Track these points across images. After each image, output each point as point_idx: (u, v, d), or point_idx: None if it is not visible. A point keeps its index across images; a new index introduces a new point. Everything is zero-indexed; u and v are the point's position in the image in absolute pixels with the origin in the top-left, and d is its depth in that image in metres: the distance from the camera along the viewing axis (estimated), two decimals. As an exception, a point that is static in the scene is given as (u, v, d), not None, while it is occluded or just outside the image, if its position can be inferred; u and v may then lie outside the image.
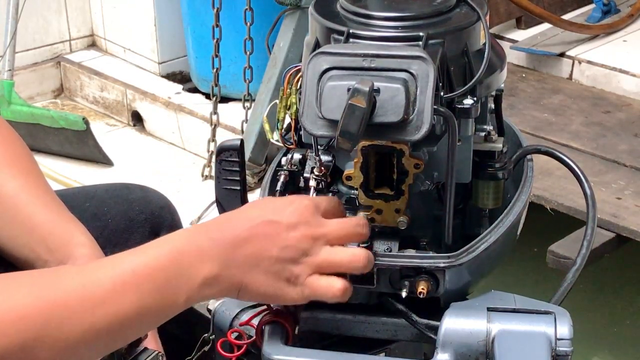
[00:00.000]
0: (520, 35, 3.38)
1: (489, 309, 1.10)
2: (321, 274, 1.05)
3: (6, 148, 1.28)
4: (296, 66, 1.16)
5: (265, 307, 1.13)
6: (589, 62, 3.19)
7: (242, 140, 1.20)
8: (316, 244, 1.05)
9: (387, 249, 1.14)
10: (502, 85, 1.20)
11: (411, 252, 1.13)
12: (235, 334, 1.14)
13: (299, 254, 1.04)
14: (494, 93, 1.20)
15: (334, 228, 1.06)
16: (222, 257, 1.02)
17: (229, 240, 1.03)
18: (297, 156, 1.19)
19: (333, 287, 1.05)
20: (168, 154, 3.21)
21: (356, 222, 1.08)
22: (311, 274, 1.05)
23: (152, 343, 1.22)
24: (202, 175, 3.01)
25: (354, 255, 1.06)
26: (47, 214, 1.23)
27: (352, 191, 1.15)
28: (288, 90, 1.17)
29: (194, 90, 3.38)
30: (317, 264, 1.05)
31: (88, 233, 1.24)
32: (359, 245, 1.09)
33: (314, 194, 1.15)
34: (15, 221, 1.22)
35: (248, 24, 2.80)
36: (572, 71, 3.23)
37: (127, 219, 1.39)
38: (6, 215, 1.23)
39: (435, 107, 1.03)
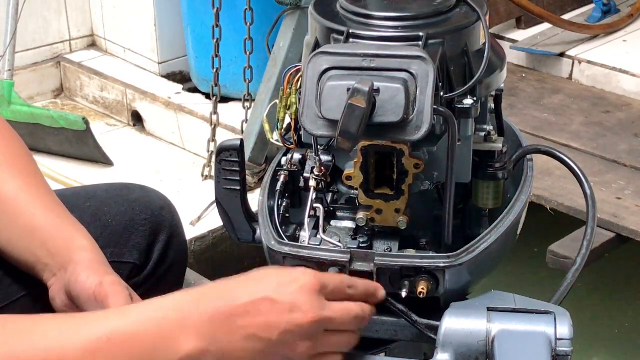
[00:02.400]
0: (520, 35, 3.37)
1: (489, 309, 1.10)
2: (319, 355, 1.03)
3: (6, 148, 1.27)
4: (296, 66, 1.16)
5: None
6: (589, 62, 3.19)
7: (242, 140, 1.20)
8: (318, 329, 1.01)
9: (387, 249, 1.14)
10: (502, 85, 1.20)
11: (411, 252, 1.13)
12: (235, 334, 1.14)
13: (299, 338, 1.00)
14: (494, 93, 1.20)
15: (338, 315, 1.02)
16: (212, 331, 0.97)
17: (224, 313, 0.97)
18: (297, 156, 1.19)
19: None
20: (168, 154, 3.21)
21: (360, 310, 1.04)
22: (312, 357, 1.02)
23: None
24: (202, 175, 3.01)
25: (350, 338, 1.05)
26: (47, 216, 1.23)
27: (352, 191, 1.15)
28: (288, 90, 1.17)
29: (194, 90, 3.37)
30: (317, 348, 1.01)
31: (89, 236, 1.23)
32: None
33: (314, 194, 1.15)
34: (16, 223, 1.22)
35: (248, 24, 2.80)
36: (572, 71, 3.23)
37: (127, 219, 1.39)
38: (6, 217, 1.22)
39: (435, 107, 1.03)
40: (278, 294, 0.99)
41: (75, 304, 1.17)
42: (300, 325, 0.99)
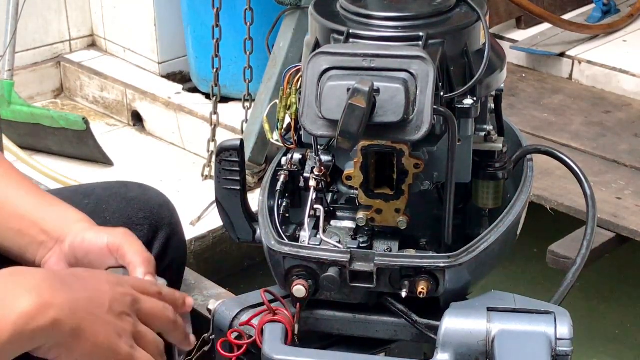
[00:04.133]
0: (520, 35, 3.37)
1: (489, 309, 1.10)
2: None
3: None
4: (296, 66, 1.16)
5: (265, 307, 1.13)
6: (589, 62, 3.19)
7: (242, 140, 1.20)
8: (135, 306, 1.05)
9: (387, 249, 1.14)
10: (502, 85, 1.20)
11: (411, 252, 1.13)
12: (235, 334, 1.14)
13: (125, 310, 1.04)
14: (494, 93, 1.20)
15: (148, 299, 1.08)
16: (48, 288, 0.97)
17: (54, 277, 1.00)
18: (297, 156, 1.19)
19: None
20: (168, 154, 3.21)
21: (164, 305, 1.10)
22: (134, 337, 1.04)
23: None
24: (202, 175, 3.01)
25: (159, 342, 1.09)
26: (35, 199, 1.22)
27: (352, 191, 1.15)
28: (288, 90, 1.17)
29: (194, 90, 3.38)
30: (138, 329, 1.05)
31: (80, 212, 1.23)
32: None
33: (314, 194, 1.15)
34: (2, 212, 1.21)
35: (248, 24, 2.80)
36: (572, 71, 3.22)
37: (125, 217, 1.39)
38: None
39: (435, 107, 1.03)
40: (94, 273, 1.07)
41: (75, 265, 1.17)
42: (121, 295, 1.03)
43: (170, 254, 1.42)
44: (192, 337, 1.15)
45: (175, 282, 1.43)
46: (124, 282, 1.07)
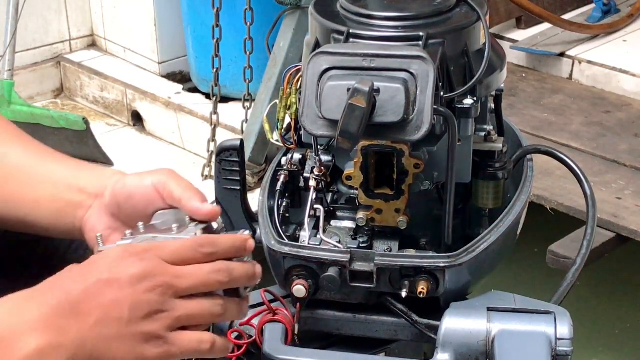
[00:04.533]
0: (520, 35, 3.37)
1: (489, 309, 1.10)
2: (185, 328, 0.95)
3: None
4: (296, 66, 1.16)
5: (265, 307, 1.13)
6: (589, 62, 3.19)
7: (242, 140, 1.20)
8: (169, 294, 0.94)
9: (387, 249, 1.14)
10: (502, 85, 1.20)
11: (411, 252, 1.13)
12: (235, 334, 1.14)
13: (153, 308, 0.93)
14: (494, 93, 1.20)
15: (187, 275, 0.95)
16: (56, 323, 0.90)
17: (62, 303, 0.91)
18: (297, 156, 1.19)
19: (205, 343, 0.96)
20: (168, 154, 3.21)
21: (211, 269, 0.96)
22: (173, 329, 0.94)
23: None
24: (202, 175, 3.01)
25: (214, 306, 0.97)
26: (65, 165, 1.16)
27: (352, 191, 1.15)
28: (288, 90, 1.17)
29: (194, 90, 3.38)
30: (177, 317, 0.94)
31: (117, 169, 1.16)
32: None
33: (314, 194, 1.15)
34: (36, 184, 1.15)
35: (248, 24, 2.80)
36: (572, 71, 3.22)
37: None
38: (21, 184, 1.15)
39: (435, 107, 1.03)
40: (112, 273, 0.93)
41: (121, 219, 1.09)
42: (146, 292, 0.93)
43: None
44: (258, 268, 1.02)
45: None
46: (154, 269, 0.94)
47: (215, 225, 1.04)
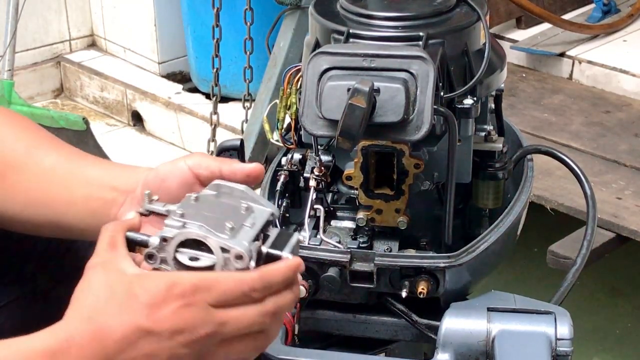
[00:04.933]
0: (520, 35, 3.37)
1: (489, 309, 1.10)
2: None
3: (29, 131, 1.21)
4: (296, 66, 1.16)
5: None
6: (589, 62, 3.19)
7: (242, 140, 1.20)
8: (210, 342, 0.88)
9: (387, 249, 1.14)
10: (502, 85, 1.20)
11: (411, 252, 1.13)
12: (235, 334, 1.14)
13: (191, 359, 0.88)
14: (494, 93, 1.20)
15: (232, 321, 0.88)
16: None
17: (100, 356, 0.86)
18: (297, 156, 1.19)
19: None
20: (168, 154, 3.21)
21: (259, 312, 0.89)
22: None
23: None
24: (202, 175, 3.00)
25: (256, 347, 0.91)
26: (99, 166, 1.15)
27: (352, 191, 1.15)
28: (288, 90, 1.17)
29: (194, 90, 3.38)
30: None
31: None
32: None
33: (314, 194, 1.15)
34: (70, 185, 1.13)
35: (248, 24, 2.79)
36: (572, 71, 3.22)
37: None
38: (57, 186, 1.14)
39: (435, 107, 1.03)
40: (152, 320, 0.87)
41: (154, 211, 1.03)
42: (186, 346, 0.87)
43: None
44: (302, 292, 0.97)
45: None
46: (198, 320, 0.87)
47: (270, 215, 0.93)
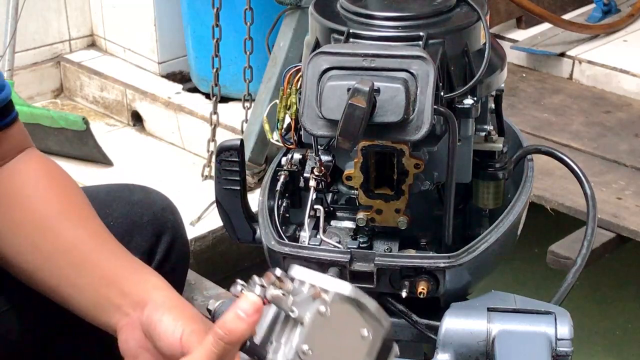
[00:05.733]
0: (520, 35, 3.37)
1: (489, 309, 1.09)
2: None
3: (64, 196, 1.22)
4: (296, 66, 1.16)
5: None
6: (589, 62, 3.19)
7: (242, 140, 1.20)
8: None
9: (387, 249, 1.14)
10: (503, 85, 1.20)
11: (411, 252, 1.13)
12: (235, 334, 1.13)
13: None
14: (494, 93, 1.20)
15: None
16: None
17: None
18: (297, 156, 1.19)
19: None
20: (168, 154, 3.21)
21: None
22: None
23: None
24: (202, 175, 3.00)
25: None
26: (116, 260, 1.16)
27: (352, 191, 1.15)
28: (288, 90, 1.17)
29: (194, 90, 3.37)
30: None
31: (161, 277, 1.16)
32: None
33: (314, 194, 1.15)
34: (82, 269, 1.16)
35: (248, 24, 2.79)
36: (572, 71, 3.22)
37: (129, 221, 1.38)
38: (71, 265, 1.16)
39: (436, 107, 1.03)
40: None
41: (152, 344, 1.09)
42: None
43: (174, 258, 1.41)
44: None
45: (178, 285, 1.43)
46: None
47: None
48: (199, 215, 2.71)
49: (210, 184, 2.83)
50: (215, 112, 2.94)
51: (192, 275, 2.00)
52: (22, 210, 1.19)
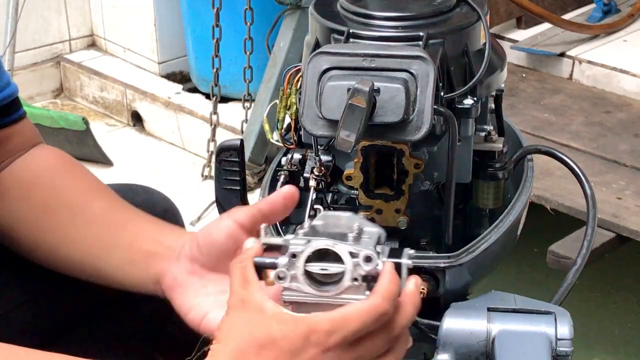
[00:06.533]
0: (520, 35, 3.37)
1: (489, 309, 1.09)
2: None
3: (84, 178, 1.26)
4: (296, 66, 1.16)
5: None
6: (589, 62, 3.19)
7: (242, 140, 1.20)
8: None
9: (387, 249, 1.14)
10: (503, 85, 1.20)
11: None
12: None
13: None
14: (494, 93, 1.20)
15: (365, 353, 0.91)
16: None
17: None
18: (297, 156, 1.19)
19: None
20: (168, 154, 3.21)
21: (388, 337, 0.92)
22: None
23: None
24: (202, 175, 3.01)
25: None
26: (143, 220, 1.19)
27: (352, 191, 1.15)
28: (288, 90, 1.17)
29: (194, 90, 3.38)
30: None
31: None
32: None
33: (314, 194, 1.15)
34: (113, 231, 1.17)
35: (248, 24, 2.80)
36: (572, 71, 3.22)
37: None
38: (101, 230, 1.18)
39: (436, 107, 1.03)
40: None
41: (201, 261, 1.08)
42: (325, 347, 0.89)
43: None
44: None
45: None
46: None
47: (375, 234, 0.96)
48: (199, 215, 2.71)
49: (210, 184, 2.83)
50: (215, 112, 2.94)
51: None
52: (44, 193, 1.22)
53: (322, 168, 1.15)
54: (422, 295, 1.08)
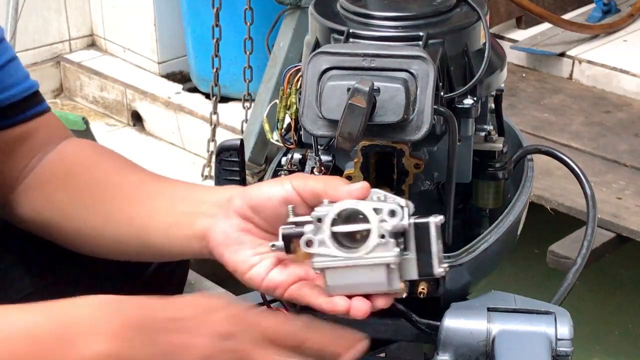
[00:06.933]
0: (520, 35, 3.37)
1: (489, 309, 1.09)
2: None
3: (118, 160, 1.27)
4: (296, 66, 1.16)
5: (265, 307, 1.13)
6: (589, 62, 3.19)
7: (242, 140, 1.20)
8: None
9: (387, 249, 1.14)
10: (503, 85, 1.20)
11: (411, 252, 1.13)
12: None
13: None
14: (494, 93, 1.20)
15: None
16: (128, 337, 0.90)
17: (144, 322, 0.91)
18: (297, 156, 1.19)
19: None
20: (168, 154, 3.21)
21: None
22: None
23: None
24: (202, 175, 3.00)
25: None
26: (182, 184, 1.17)
27: (352, 191, 1.15)
28: (288, 90, 1.17)
29: (194, 90, 3.37)
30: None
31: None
32: None
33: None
34: (154, 198, 1.15)
35: (248, 23, 2.79)
36: (572, 71, 3.22)
37: None
38: (141, 200, 1.16)
39: (436, 107, 1.03)
40: (203, 320, 0.93)
41: (254, 221, 1.04)
42: (232, 352, 0.92)
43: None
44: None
45: (178, 285, 1.42)
46: (239, 331, 0.94)
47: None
48: (199, 215, 2.70)
49: (211, 184, 2.83)
50: (215, 112, 2.94)
51: (192, 276, 2.00)
52: (80, 180, 1.23)
53: (322, 168, 1.15)
54: (422, 295, 1.09)
